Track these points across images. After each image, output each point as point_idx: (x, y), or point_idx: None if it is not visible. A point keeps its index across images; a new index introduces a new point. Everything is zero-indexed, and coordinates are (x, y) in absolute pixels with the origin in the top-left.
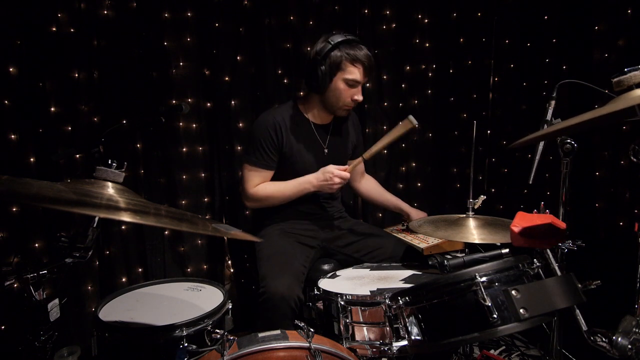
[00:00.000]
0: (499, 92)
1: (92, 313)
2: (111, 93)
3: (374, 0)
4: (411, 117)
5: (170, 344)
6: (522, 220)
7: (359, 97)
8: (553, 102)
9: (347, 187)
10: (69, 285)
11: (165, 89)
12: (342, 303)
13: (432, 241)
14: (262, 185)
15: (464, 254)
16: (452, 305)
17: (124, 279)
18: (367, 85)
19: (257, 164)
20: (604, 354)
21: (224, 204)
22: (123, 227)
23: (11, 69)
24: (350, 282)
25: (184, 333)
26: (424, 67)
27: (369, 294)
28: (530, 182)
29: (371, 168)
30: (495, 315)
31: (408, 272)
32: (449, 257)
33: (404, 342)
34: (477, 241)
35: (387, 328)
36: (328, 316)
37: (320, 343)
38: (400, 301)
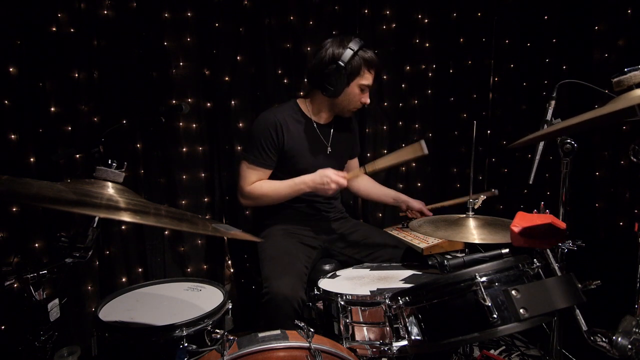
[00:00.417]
0: (499, 92)
1: (92, 313)
2: (111, 93)
3: (374, 0)
4: (423, 144)
5: (170, 344)
6: (522, 220)
7: (367, 100)
8: (553, 102)
9: (345, 187)
10: (69, 285)
11: (165, 89)
12: (342, 303)
13: (432, 241)
14: (258, 183)
15: (464, 254)
16: (452, 305)
17: (124, 279)
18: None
19: (255, 162)
20: (604, 354)
21: (224, 204)
22: (123, 227)
23: (11, 69)
24: (350, 282)
25: (184, 333)
26: (424, 67)
27: (369, 294)
28: (530, 182)
29: None
30: (495, 315)
31: (408, 272)
32: (449, 257)
33: (404, 342)
34: (477, 241)
35: (387, 328)
36: (328, 316)
37: (320, 343)
38: (400, 301)
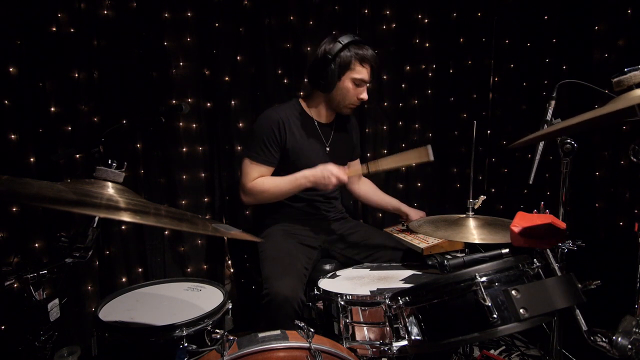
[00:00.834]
0: (499, 92)
1: (92, 313)
2: (111, 93)
3: (374, 0)
4: (429, 150)
5: (170, 344)
6: (522, 220)
7: (365, 96)
8: (553, 102)
9: (346, 189)
10: (69, 285)
11: (165, 89)
12: (342, 303)
13: (432, 241)
14: (259, 179)
15: (464, 254)
16: (452, 305)
17: (124, 279)
18: (368, 85)
19: (257, 159)
20: (604, 354)
21: (224, 204)
22: (123, 227)
23: (11, 69)
24: (350, 282)
25: (184, 333)
26: (424, 67)
27: (369, 294)
28: (530, 182)
29: None
30: (495, 315)
31: (408, 272)
32: (449, 257)
33: (404, 342)
34: (477, 241)
35: (387, 328)
36: (328, 316)
37: (320, 343)
38: (400, 301)
